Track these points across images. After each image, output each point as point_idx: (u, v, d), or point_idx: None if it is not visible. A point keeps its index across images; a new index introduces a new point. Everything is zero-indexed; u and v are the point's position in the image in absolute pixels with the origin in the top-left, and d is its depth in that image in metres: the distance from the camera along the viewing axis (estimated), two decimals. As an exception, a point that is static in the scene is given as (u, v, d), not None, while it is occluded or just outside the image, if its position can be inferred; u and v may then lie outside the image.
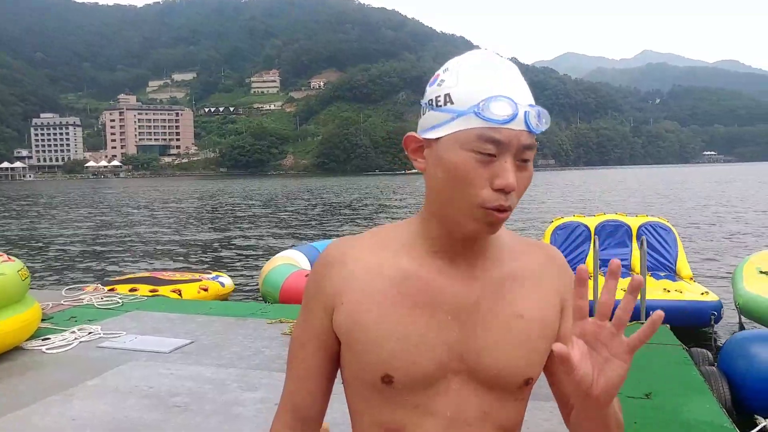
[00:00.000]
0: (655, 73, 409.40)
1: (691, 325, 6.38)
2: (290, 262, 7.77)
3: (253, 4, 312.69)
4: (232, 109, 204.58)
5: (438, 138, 0.83)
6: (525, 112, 0.80)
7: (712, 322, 6.19)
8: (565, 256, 6.66)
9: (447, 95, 0.82)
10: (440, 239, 0.88)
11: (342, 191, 47.88)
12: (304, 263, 8.10)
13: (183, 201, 38.22)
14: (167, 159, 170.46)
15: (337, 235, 15.13)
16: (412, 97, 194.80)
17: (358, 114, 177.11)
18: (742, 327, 6.54)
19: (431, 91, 0.85)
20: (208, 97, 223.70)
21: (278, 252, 9.16)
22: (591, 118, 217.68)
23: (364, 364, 0.87)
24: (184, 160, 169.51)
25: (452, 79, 0.83)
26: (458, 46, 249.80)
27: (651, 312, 4.75)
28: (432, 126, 0.83)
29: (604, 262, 7.04)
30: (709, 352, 4.82)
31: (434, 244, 0.89)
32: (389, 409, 0.88)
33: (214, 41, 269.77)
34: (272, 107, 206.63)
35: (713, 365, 4.35)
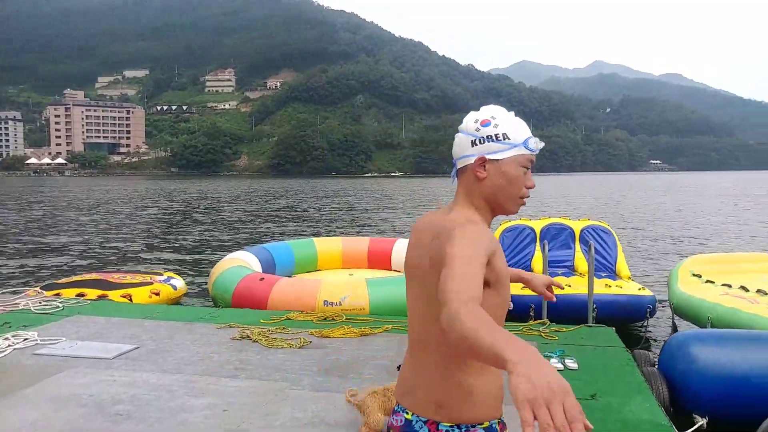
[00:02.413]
0: (606, 83, 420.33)
1: (629, 318, 6.69)
2: (242, 264, 7.57)
3: (208, 2, 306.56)
4: (185, 107, 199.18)
5: (500, 159, 1.40)
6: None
7: (648, 315, 6.61)
8: (513, 257, 6.86)
9: (504, 133, 1.40)
10: (487, 216, 1.46)
11: (297, 193, 47.47)
12: (256, 265, 7.94)
13: (132, 200, 37.10)
14: (116, 158, 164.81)
15: (296, 236, 14.90)
16: (370, 101, 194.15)
17: (315, 116, 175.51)
18: (675, 325, 6.91)
19: (490, 130, 1.40)
20: (160, 95, 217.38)
21: (228, 253, 8.98)
22: (544, 125, 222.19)
23: (504, 294, 1.40)
24: (134, 159, 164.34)
25: (503, 123, 1.41)
26: (416, 51, 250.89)
27: (596, 307, 4.83)
28: (494, 151, 1.40)
29: (551, 263, 7.34)
30: (650, 353, 5.00)
31: (484, 219, 1.46)
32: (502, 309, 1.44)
33: (167, 38, 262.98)
34: (227, 107, 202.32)
35: (654, 366, 4.51)
